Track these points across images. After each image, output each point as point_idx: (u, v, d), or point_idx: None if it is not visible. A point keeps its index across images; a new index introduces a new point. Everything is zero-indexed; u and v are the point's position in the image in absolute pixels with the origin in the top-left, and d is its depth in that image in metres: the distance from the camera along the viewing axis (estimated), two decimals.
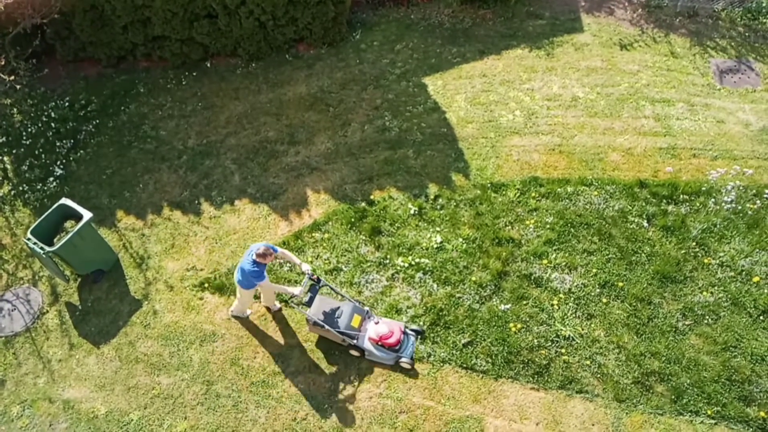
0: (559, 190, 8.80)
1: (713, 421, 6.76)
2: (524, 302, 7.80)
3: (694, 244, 8.04)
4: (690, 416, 6.82)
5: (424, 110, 10.10)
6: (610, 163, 9.06)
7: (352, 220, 8.73)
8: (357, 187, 9.16)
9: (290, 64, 11.14)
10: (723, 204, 8.35)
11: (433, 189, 9.04)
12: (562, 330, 7.50)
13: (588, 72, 10.42)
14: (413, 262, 8.25)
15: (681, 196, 8.50)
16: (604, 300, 7.70)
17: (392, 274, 8.21)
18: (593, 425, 6.84)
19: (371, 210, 8.85)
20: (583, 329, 7.51)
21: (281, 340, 7.81)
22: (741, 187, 8.48)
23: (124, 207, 9.35)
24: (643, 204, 8.50)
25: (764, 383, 6.88)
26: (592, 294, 7.77)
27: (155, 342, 7.97)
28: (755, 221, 8.13)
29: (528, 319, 7.65)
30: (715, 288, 7.64)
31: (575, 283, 7.88)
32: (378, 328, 7.36)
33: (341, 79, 10.77)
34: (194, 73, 11.14)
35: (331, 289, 7.74)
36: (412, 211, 8.77)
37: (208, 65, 11.25)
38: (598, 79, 10.27)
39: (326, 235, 8.65)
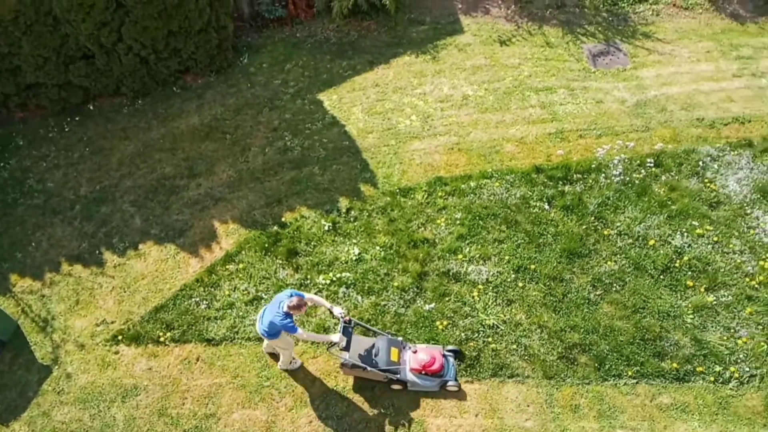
0: (463, 186, 9.08)
1: (635, 381, 7.18)
2: (447, 299, 7.96)
3: (592, 218, 8.54)
4: (614, 380, 7.21)
5: (324, 126, 10.13)
6: (506, 154, 9.46)
7: (266, 245, 8.58)
8: (266, 211, 9.02)
9: (179, 96, 10.83)
10: (612, 177, 8.94)
11: (344, 202, 9.06)
12: (486, 319, 7.72)
13: (474, 70, 10.85)
14: (334, 278, 8.22)
15: (574, 175, 9.02)
16: (520, 284, 8.01)
17: (315, 294, 8.12)
18: (528, 406, 7.08)
19: (284, 232, 8.74)
20: (505, 315, 7.76)
21: (208, 380, 7.52)
22: (626, 160, 9.11)
23: (17, 269, 8.69)
24: (542, 188, 8.93)
25: (673, 337, 7.41)
26: (508, 280, 8.06)
27: (72, 407, 7.43)
28: (643, 189, 8.76)
29: (453, 315, 7.81)
30: (618, 256, 8.15)
31: (491, 273, 8.14)
32: (418, 357, 7.07)
33: (234, 105, 10.60)
34: (77, 118, 10.57)
35: (362, 326, 7.37)
36: (326, 228, 8.74)
37: (91, 107, 10.72)
38: (484, 76, 10.72)
39: (241, 265, 8.44)
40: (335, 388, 7.33)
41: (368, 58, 11.25)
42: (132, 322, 8.06)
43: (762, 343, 7.28)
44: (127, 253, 8.75)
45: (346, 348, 6.88)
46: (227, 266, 8.46)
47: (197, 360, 7.73)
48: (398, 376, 7.03)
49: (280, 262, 8.43)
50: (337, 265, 8.35)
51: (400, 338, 7.40)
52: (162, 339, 7.90)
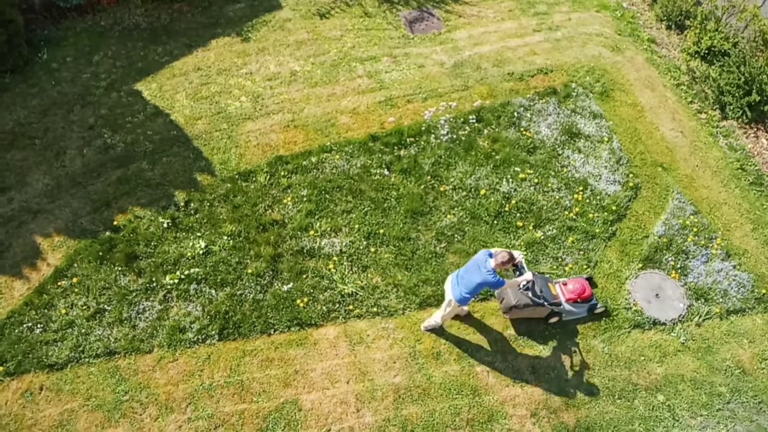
0: (304, 162, 9.07)
1: (481, 320, 7.81)
2: (304, 276, 7.98)
3: (429, 177, 9.01)
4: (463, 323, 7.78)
5: (146, 117, 9.48)
6: (341, 126, 9.59)
7: (100, 253, 7.92)
8: (94, 217, 8.30)
9: None
10: (441, 137, 9.47)
11: (180, 196, 8.61)
12: (344, 289, 7.87)
13: (298, 46, 10.78)
14: (183, 276, 7.84)
15: (407, 139, 9.41)
16: (372, 249, 8.26)
17: (164, 296, 7.70)
18: (395, 362, 7.40)
19: (119, 237, 8.12)
20: (362, 282, 7.98)
21: (58, 409, 6.85)
22: (451, 119, 9.69)
23: None
24: (380, 155, 9.21)
25: (511, 274, 8.12)
26: (361, 248, 8.27)
27: None
28: (469, 144, 9.40)
29: (312, 291, 7.86)
30: (455, 209, 8.71)
31: (344, 243, 8.29)
32: (569, 287, 7.60)
33: (40, 106, 9.52)
34: None
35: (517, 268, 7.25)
36: (165, 225, 8.27)
37: None
38: (309, 51, 10.70)
39: (75, 279, 7.72)
40: (201, 387, 7.08)
41: (185, 42, 10.67)
42: None
43: (584, 266, 8.27)
44: None
45: (529, 288, 7.24)
46: (59, 283, 7.70)
47: (41, 389, 7.00)
48: (561, 307, 7.51)
49: (120, 268, 7.84)
50: (183, 262, 7.96)
51: (547, 275, 7.96)
52: None
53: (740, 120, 10.36)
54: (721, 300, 8.15)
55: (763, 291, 8.26)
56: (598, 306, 7.81)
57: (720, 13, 11.25)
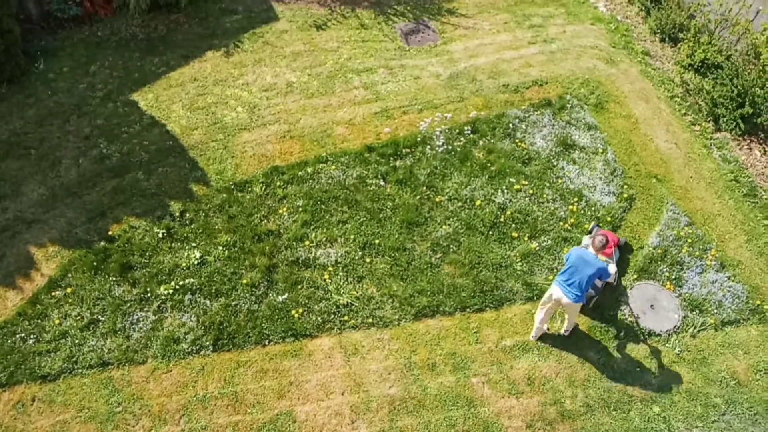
0: (300, 173, 9.08)
1: (477, 334, 7.79)
2: (299, 286, 7.96)
3: (425, 188, 9.02)
4: (462, 334, 7.76)
5: (142, 128, 9.49)
6: (338, 137, 9.62)
7: (95, 263, 7.90)
8: (89, 227, 8.29)
9: None
10: (437, 148, 9.50)
11: (176, 206, 8.60)
12: (339, 300, 7.86)
13: (294, 57, 10.83)
14: (178, 286, 7.82)
15: (403, 150, 9.44)
16: (368, 260, 8.25)
17: (158, 306, 7.67)
18: (390, 374, 7.37)
19: (113, 247, 8.11)
20: (357, 292, 7.96)
21: (50, 420, 6.80)
22: (447, 130, 9.73)
23: None
24: (376, 166, 9.24)
25: (507, 285, 8.14)
26: (356, 258, 8.27)
27: None
28: (464, 155, 9.43)
29: (307, 301, 7.84)
30: (451, 220, 8.72)
31: (339, 253, 8.28)
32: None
33: (36, 116, 9.53)
34: None
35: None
36: (160, 235, 8.25)
37: None
38: (306, 62, 10.75)
39: (69, 290, 7.69)
40: (195, 398, 7.03)
41: (182, 53, 10.71)
42: None
43: None
44: None
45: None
46: (53, 293, 7.67)
47: (33, 401, 6.95)
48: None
49: (114, 279, 7.82)
50: (178, 273, 7.94)
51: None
52: None
53: (734, 132, 10.43)
54: (715, 311, 8.16)
55: (758, 302, 8.27)
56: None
57: (713, 26, 11.36)
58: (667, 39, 12.13)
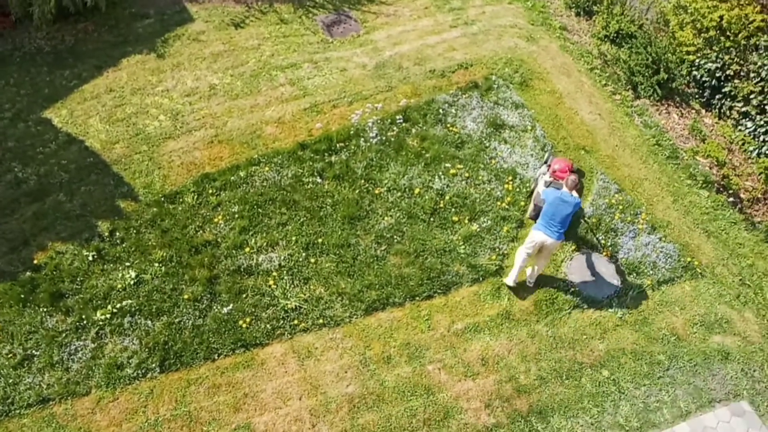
0: (232, 178, 8.82)
1: (428, 321, 7.84)
2: (244, 295, 7.76)
3: (363, 181, 8.95)
4: (415, 323, 7.79)
5: (59, 146, 8.97)
6: (268, 137, 9.39)
7: (22, 296, 7.42)
8: (12, 258, 7.78)
9: None
10: (371, 140, 9.44)
11: (104, 225, 8.19)
12: (287, 304, 7.71)
13: (214, 58, 10.47)
14: (115, 309, 7.46)
15: (337, 145, 9.32)
16: (312, 260, 8.13)
17: (97, 333, 7.30)
18: (346, 372, 7.31)
19: (41, 276, 7.64)
20: (305, 294, 7.84)
21: None
22: (378, 121, 9.67)
23: None
24: (311, 163, 9.08)
25: (452, 268, 8.20)
26: (300, 259, 8.13)
27: None
28: (399, 144, 9.41)
29: (254, 309, 7.65)
30: (392, 211, 8.69)
31: (282, 257, 8.12)
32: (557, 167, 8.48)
33: None
34: None
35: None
36: (90, 258, 7.84)
37: None
38: (227, 63, 10.42)
39: None
40: (146, 423, 6.75)
41: (94, 63, 10.15)
42: None
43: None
44: None
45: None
46: None
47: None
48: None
49: (45, 309, 7.38)
50: (114, 295, 7.57)
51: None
52: None
53: (652, 98, 10.87)
54: (651, 272, 8.52)
55: (689, 259, 8.70)
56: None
57: None
58: (582, 12, 12.48)
